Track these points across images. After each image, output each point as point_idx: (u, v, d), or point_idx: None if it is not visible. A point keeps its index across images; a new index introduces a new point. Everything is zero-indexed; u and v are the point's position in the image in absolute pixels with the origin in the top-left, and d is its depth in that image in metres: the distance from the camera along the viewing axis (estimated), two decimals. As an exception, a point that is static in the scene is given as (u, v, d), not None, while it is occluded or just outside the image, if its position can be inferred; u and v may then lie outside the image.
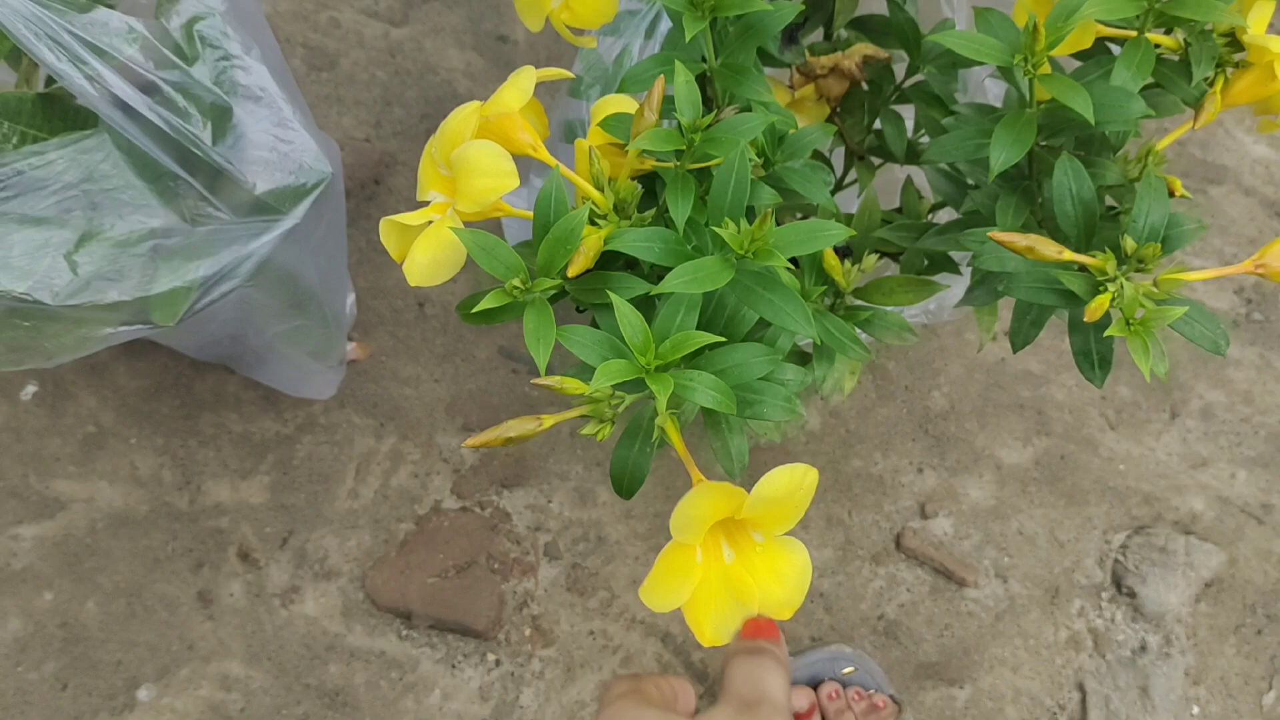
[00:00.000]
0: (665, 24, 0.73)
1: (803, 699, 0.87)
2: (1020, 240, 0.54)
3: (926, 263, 0.74)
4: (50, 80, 0.73)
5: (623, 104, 0.61)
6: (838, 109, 0.76)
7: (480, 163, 0.54)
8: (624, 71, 0.73)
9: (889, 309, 0.68)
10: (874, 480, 0.96)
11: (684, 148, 0.57)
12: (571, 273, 0.54)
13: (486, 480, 0.95)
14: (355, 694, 0.91)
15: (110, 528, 0.94)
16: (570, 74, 0.60)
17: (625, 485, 0.57)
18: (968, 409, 0.98)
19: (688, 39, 0.59)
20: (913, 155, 0.76)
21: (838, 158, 0.81)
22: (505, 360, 0.99)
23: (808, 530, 0.95)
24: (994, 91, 0.81)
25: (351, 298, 0.94)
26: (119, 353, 0.97)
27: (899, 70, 0.75)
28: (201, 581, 0.93)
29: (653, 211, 0.59)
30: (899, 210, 0.77)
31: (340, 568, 0.93)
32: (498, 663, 0.91)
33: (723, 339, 0.52)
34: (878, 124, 0.77)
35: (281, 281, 0.72)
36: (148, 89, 0.64)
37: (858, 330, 0.66)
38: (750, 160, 0.58)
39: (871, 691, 0.88)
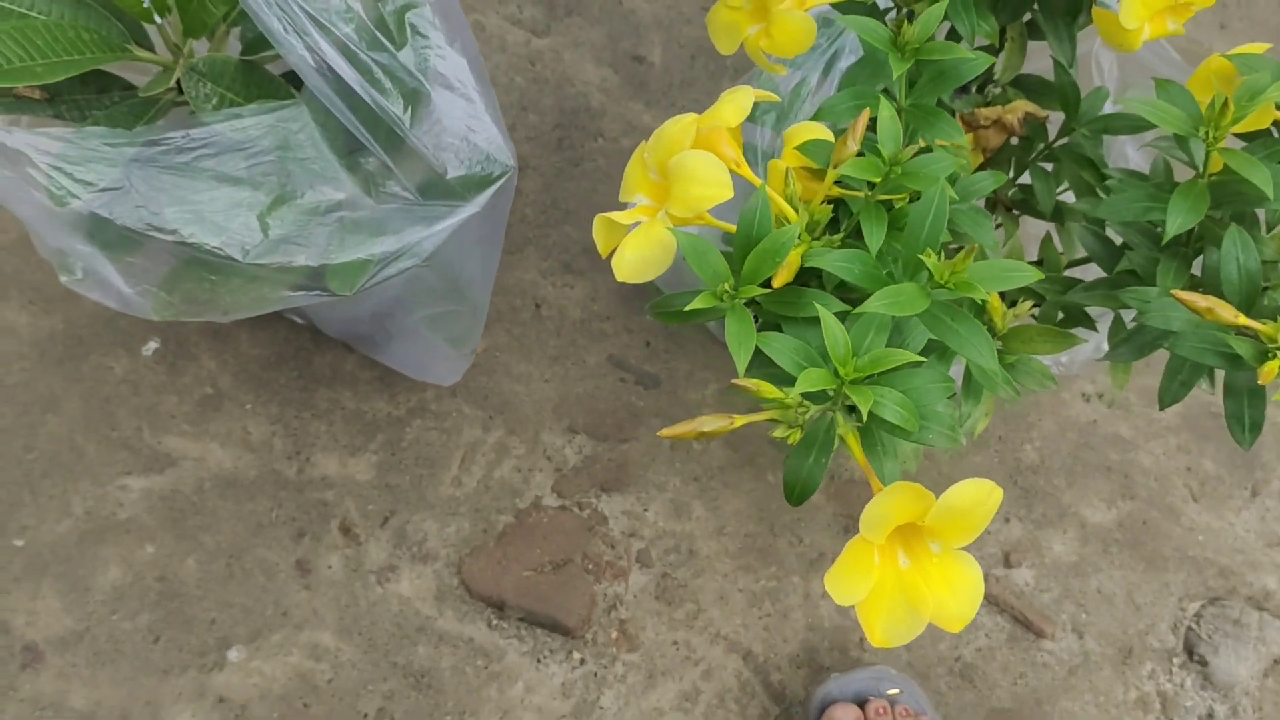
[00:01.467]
0: (843, 61, 0.76)
1: (849, 715, 0.89)
2: (1200, 301, 0.57)
3: (1062, 316, 0.76)
4: (249, 48, 0.77)
5: (816, 131, 0.64)
6: (988, 159, 0.80)
7: (698, 172, 0.57)
8: (803, 101, 0.77)
9: (1032, 357, 0.71)
10: (961, 524, 0.98)
11: (881, 179, 0.60)
12: (776, 284, 0.57)
13: (587, 482, 0.98)
14: (440, 677, 0.92)
15: (217, 489, 0.96)
16: (776, 98, 0.63)
17: (797, 493, 0.59)
18: (1057, 465, 1.01)
19: (895, 77, 0.62)
20: (1057, 213, 0.79)
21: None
22: (614, 369, 1.01)
23: (893, 566, 0.97)
24: (1134, 159, 0.84)
25: (489, 296, 0.97)
26: (243, 320, 1.00)
27: (1050, 129, 0.78)
28: (301, 551, 0.95)
29: (840, 235, 0.62)
30: (1037, 262, 0.80)
31: (438, 552, 0.96)
32: (582, 661, 0.93)
33: (920, 359, 0.55)
34: (1024, 179, 0.80)
35: (448, 266, 0.75)
36: (358, 67, 0.67)
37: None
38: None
39: (919, 713, 0.89)
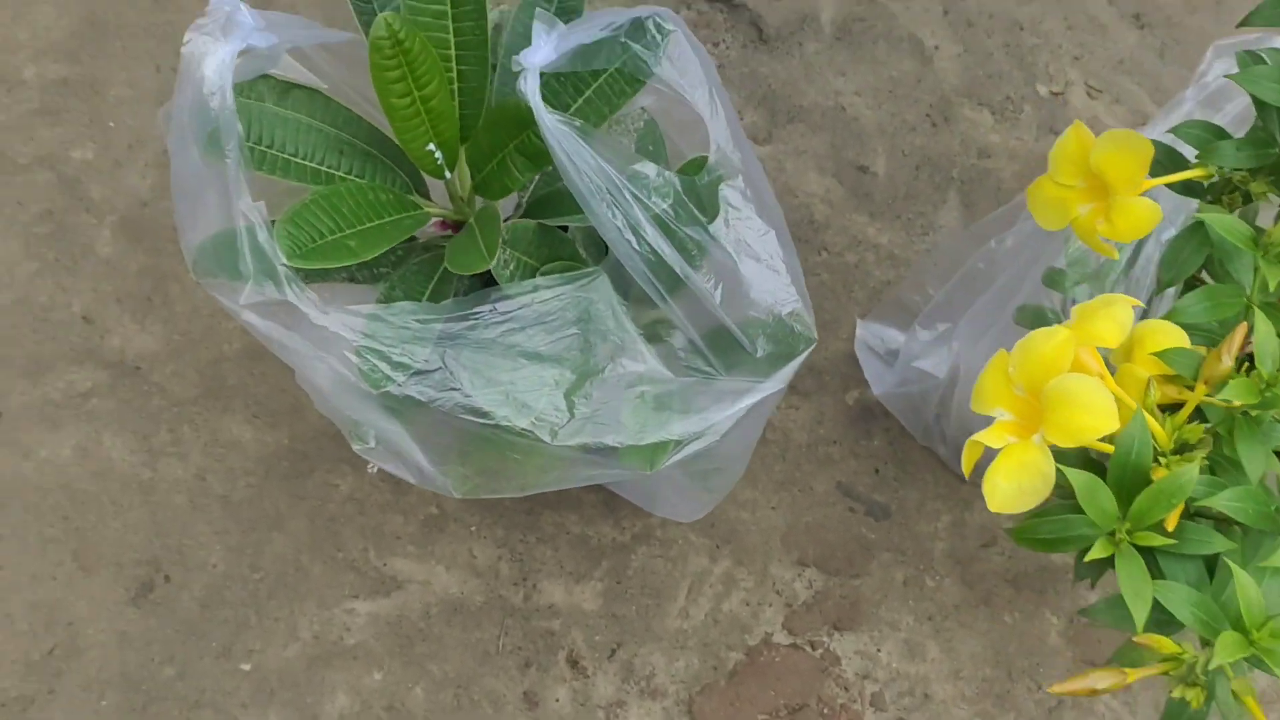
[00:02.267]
0: (1166, 231, 0.72)
1: None
2: None
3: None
4: (535, 209, 0.74)
5: (1171, 335, 0.60)
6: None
7: (1082, 398, 0.54)
8: (1119, 271, 0.73)
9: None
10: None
11: (1257, 400, 0.56)
12: (1170, 526, 0.53)
13: (819, 619, 0.95)
14: (669, 818, 0.90)
15: (444, 614, 0.94)
16: (1139, 301, 0.60)
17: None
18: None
19: (1273, 287, 0.58)
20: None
21: None
22: (843, 496, 0.98)
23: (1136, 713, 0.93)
24: None
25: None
26: (467, 438, 0.98)
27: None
28: (528, 682, 0.93)
29: (1202, 454, 0.58)
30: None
31: (666, 688, 0.93)
32: (816, 809, 0.90)
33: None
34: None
35: (736, 436, 0.72)
36: (672, 241, 0.65)
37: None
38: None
39: None
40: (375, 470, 0.97)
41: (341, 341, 0.63)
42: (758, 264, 0.68)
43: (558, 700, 0.93)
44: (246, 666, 0.93)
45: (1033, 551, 0.96)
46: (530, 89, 0.59)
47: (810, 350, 0.69)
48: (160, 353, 0.99)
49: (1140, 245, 0.73)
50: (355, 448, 0.69)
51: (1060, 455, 0.55)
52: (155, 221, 1.01)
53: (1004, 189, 1.03)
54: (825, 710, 0.92)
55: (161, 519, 0.95)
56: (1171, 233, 0.71)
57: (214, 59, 0.61)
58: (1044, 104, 1.06)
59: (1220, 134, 0.67)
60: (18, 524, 0.95)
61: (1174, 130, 0.68)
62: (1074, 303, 0.73)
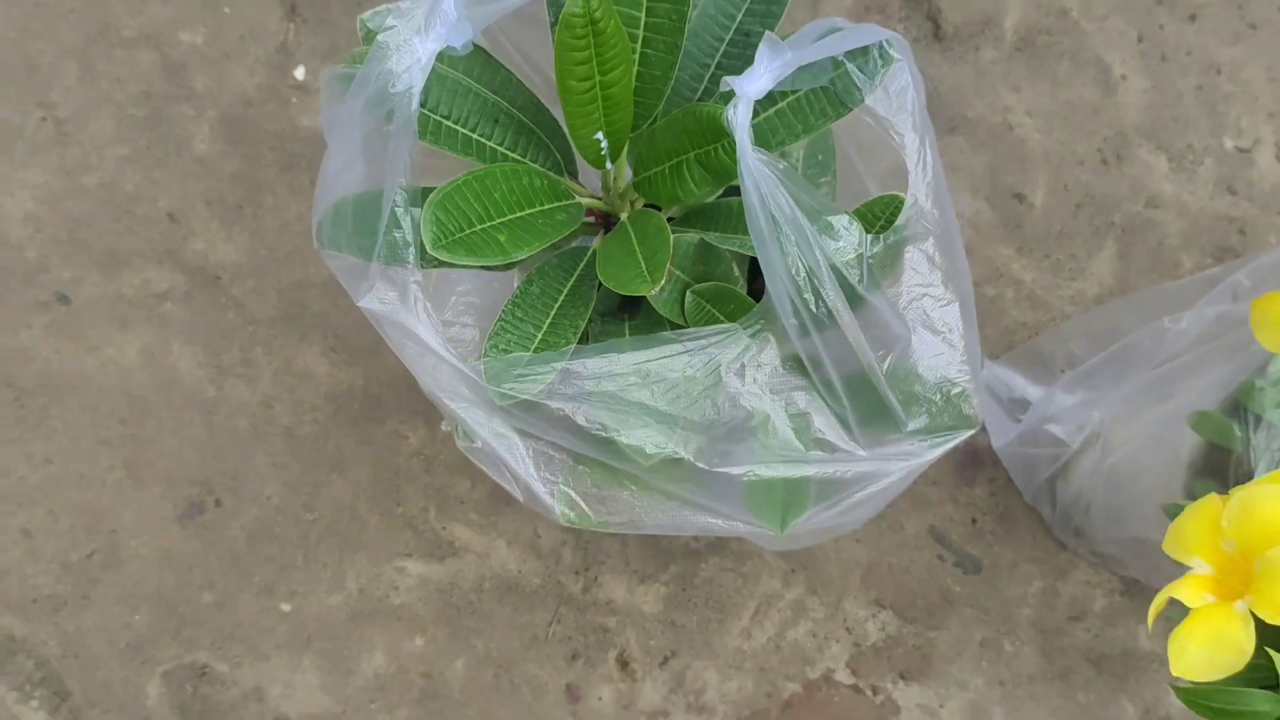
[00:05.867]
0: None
1: None
2: None
3: None
4: (687, 216, 0.67)
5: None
6: None
7: (1305, 576, 0.48)
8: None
9: None
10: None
11: None
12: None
13: (886, 665, 0.90)
14: (696, 841, 0.87)
15: (497, 590, 0.90)
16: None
17: None
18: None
19: None
20: None
21: None
22: (933, 542, 0.93)
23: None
24: None
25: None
26: (551, 412, 0.92)
27: None
28: (574, 675, 0.89)
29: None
30: None
31: (715, 707, 0.89)
32: None
33: None
34: None
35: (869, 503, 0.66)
36: (853, 305, 0.58)
37: None
38: None
39: None
40: (449, 429, 0.92)
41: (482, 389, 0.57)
42: (934, 336, 0.62)
43: (600, 699, 0.89)
44: (286, 608, 0.89)
45: (1121, 637, 0.91)
46: (740, 121, 0.52)
47: (969, 435, 0.63)
48: (243, 265, 0.93)
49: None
50: (460, 444, 0.64)
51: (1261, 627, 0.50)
52: (258, 125, 0.94)
53: (1166, 245, 0.96)
54: (877, 762, 0.88)
55: (220, 441, 0.91)
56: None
57: (407, 57, 0.54)
58: (1227, 159, 0.97)
59: None
60: (73, 421, 0.90)
61: None
62: (1263, 426, 0.66)
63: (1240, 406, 0.67)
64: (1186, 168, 0.97)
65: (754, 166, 0.53)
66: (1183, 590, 0.50)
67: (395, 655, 0.89)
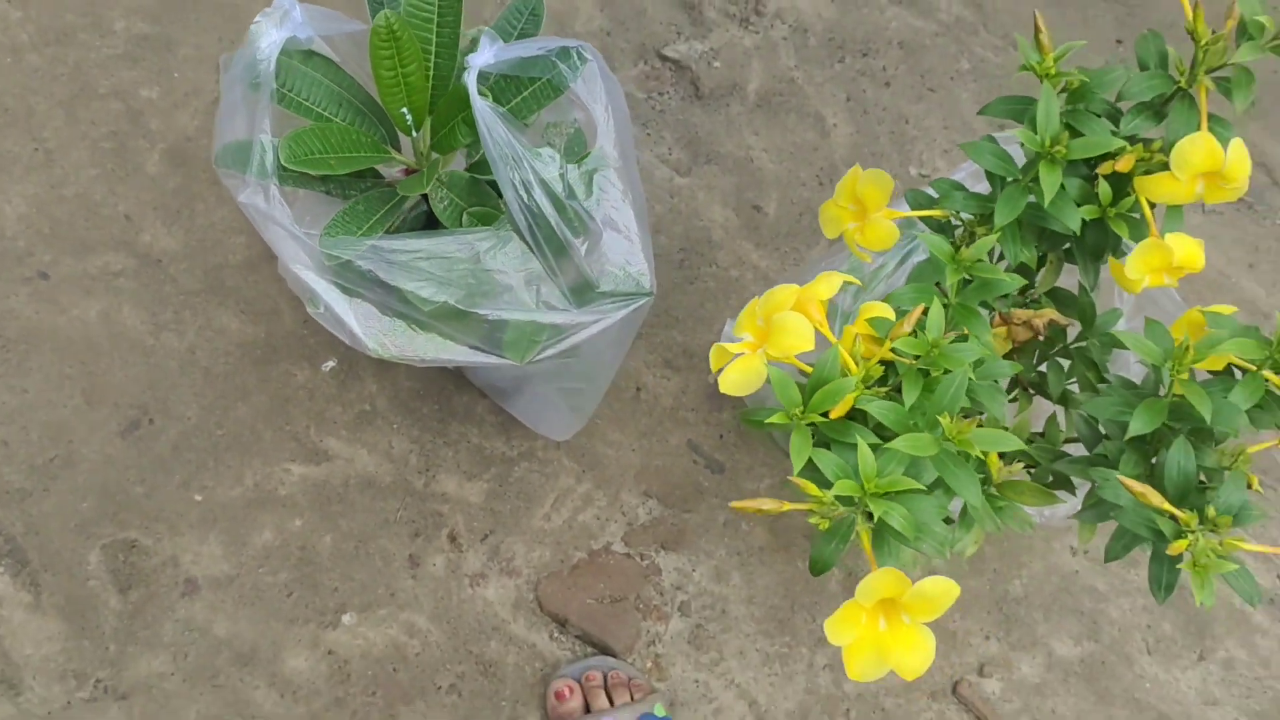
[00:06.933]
0: (917, 256, 0.99)
1: (562, 684, 1.11)
2: (1137, 487, 0.78)
3: (1051, 479, 0.97)
4: (473, 167, 1.02)
5: (883, 310, 0.86)
6: (1016, 349, 1.01)
7: (792, 327, 0.80)
8: (879, 281, 1.00)
9: (1019, 505, 0.92)
10: (948, 633, 1.19)
11: (923, 354, 0.82)
12: (833, 416, 0.79)
13: (651, 538, 1.20)
14: (504, 670, 1.14)
15: (359, 486, 1.19)
16: (858, 281, 0.86)
17: (818, 568, 0.80)
18: (1038, 601, 1.21)
19: (947, 283, 0.85)
20: (1063, 399, 1.00)
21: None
22: (690, 451, 1.24)
23: (887, 657, 1.17)
24: (1137, 370, 1.06)
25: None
26: (404, 356, 1.24)
27: (1071, 333, 1.00)
28: (415, 547, 1.18)
29: (886, 388, 0.84)
30: (1041, 434, 1.01)
31: (522, 570, 1.18)
32: (621, 682, 1.14)
33: (923, 488, 0.77)
34: (1043, 367, 1.02)
35: (589, 356, 0.98)
36: (558, 210, 0.91)
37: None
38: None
39: (630, 677, 1.12)
40: (328, 368, 1.23)
41: (306, 246, 0.90)
42: (617, 234, 0.95)
43: (434, 565, 1.17)
44: (199, 498, 1.18)
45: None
46: (470, 80, 0.86)
47: (645, 301, 0.96)
48: (179, 252, 1.26)
49: (902, 262, 0.99)
50: (310, 310, 0.95)
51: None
52: (195, 154, 1.29)
53: (858, 237, 1.30)
54: (640, 606, 1.17)
55: (155, 377, 1.21)
56: (922, 258, 0.97)
57: (268, 39, 0.89)
58: (913, 182, 1.33)
59: (959, 188, 0.94)
60: (45, 362, 1.20)
61: (932, 184, 0.95)
62: (854, 302, 0.99)
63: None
64: (873, 183, 1.33)
65: (478, 105, 0.87)
66: (735, 349, 0.82)
67: (280, 532, 1.17)
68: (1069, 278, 1.04)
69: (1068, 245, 0.98)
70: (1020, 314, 0.98)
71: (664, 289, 1.28)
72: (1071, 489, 0.97)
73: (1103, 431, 0.92)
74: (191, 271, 1.25)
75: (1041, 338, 1.00)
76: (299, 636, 1.14)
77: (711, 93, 1.38)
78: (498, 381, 1.17)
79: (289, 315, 1.24)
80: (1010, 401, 1.04)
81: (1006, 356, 1.02)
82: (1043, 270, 1.00)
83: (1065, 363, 1.01)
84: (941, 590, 0.72)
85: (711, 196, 1.33)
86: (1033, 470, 0.99)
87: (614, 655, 1.15)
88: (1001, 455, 0.94)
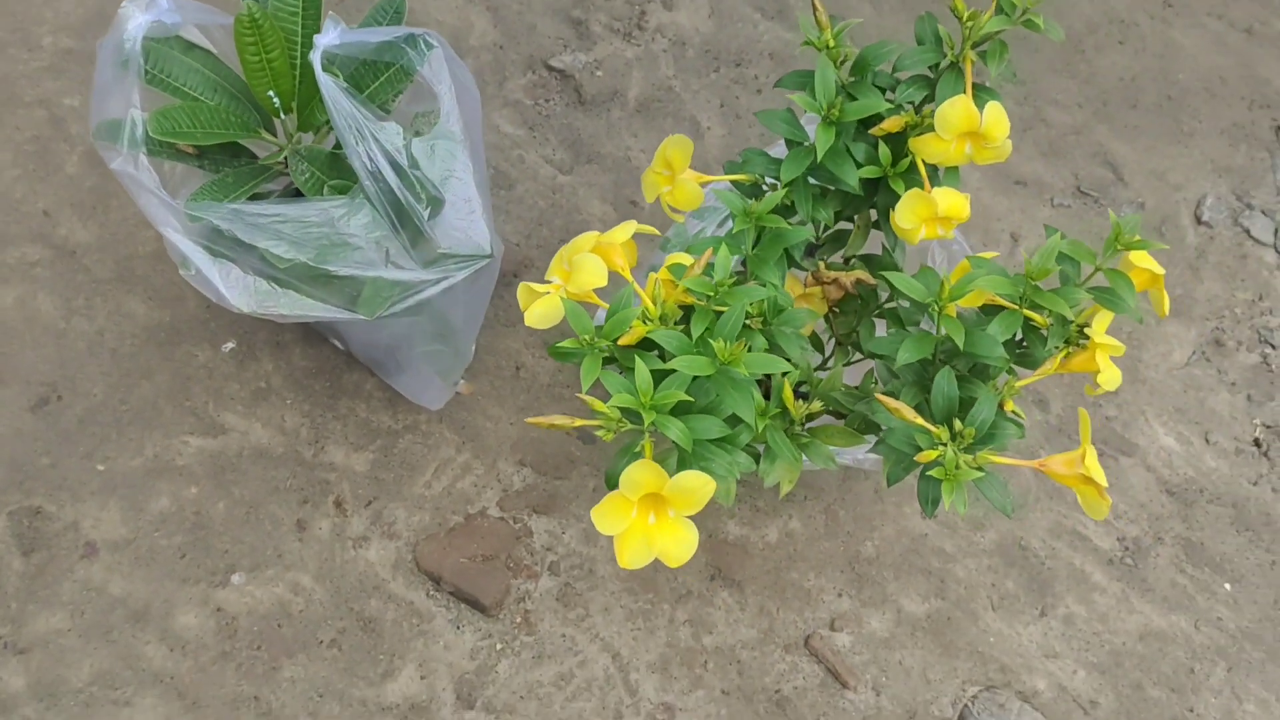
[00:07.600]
0: (732, 222, 1.08)
1: None
2: (892, 403, 0.87)
3: (861, 424, 1.06)
4: (338, 145, 1.12)
5: (683, 259, 0.96)
6: (836, 308, 1.11)
7: (588, 266, 0.89)
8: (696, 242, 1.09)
9: (825, 445, 1.01)
10: (803, 591, 1.26)
11: (712, 294, 0.91)
12: (622, 344, 0.88)
13: (524, 504, 1.28)
14: (383, 626, 1.22)
15: (252, 456, 1.28)
16: (658, 232, 0.96)
17: (611, 482, 0.89)
18: (888, 562, 1.28)
19: (736, 230, 0.94)
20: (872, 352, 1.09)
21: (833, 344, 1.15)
22: (563, 425, 1.32)
23: (744, 612, 1.25)
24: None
25: (473, 347, 1.30)
26: (299, 338, 1.33)
27: (884, 294, 1.09)
28: (302, 513, 1.26)
29: (684, 326, 0.93)
30: (857, 387, 1.09)
31: (402, 533, 1.26)
32: (489, 635, 1.22)
33: (692, 399, 0.85)
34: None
35: (438, 316, 1.08)
36: (400, 177, 1.02)
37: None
38: (750, 314, 0.92)
39: None
40: (228, 349, 1.33)
41: (177, 213, 1.00)
42: (462, 201, 1.05)
43: (320, 529, 1.26)
44: (101, 468, 1.27)
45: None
46: (315, 58, 0.97)
47: (487, 262, 1.05)
48: (92, 244, 1.36)
49: (721, 225, 1.09)
50: (182, 273, 1.05)
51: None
52: (110, 153, 1.39)
53: (723, 227, 1.40)
54: (511, 564, 1.25)
55: (65, 357, 1.31)
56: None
57: (134, 22, 1.00)
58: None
59: (762, 154, 1.04)
60: (-37, 343, 1.30)
61: (740, 153, 1.05)
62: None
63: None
64: (738, 178, 1.43)
65: (324, 81, 0.97)
66: (541, 288, 0.92)
67: (176, 499, 1.26)
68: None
69: (874, 209, 1.08)
70: (828, 274, 1.07)
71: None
72: (877, 431, 1.05)
73: (893, 372, 1.01)
74: (104, 262, 1.36)
75: (854, 295, 1.10)
76: (190, 595, 1.22)
77: (594, 99, 1.49)
78: (376, 354, 1.26)
79: (193, 301, 1.34)
80: (847, 366, 1.13)
81: (827, 317, 1.12)
82: (852, 235, 1.09)
83: (881, 322, 1.10)
84: (699, 484, 0.80)
85: (591, 193, 1.44)
86: (844, 417, 1.07)
87: (483, 610, 1.22)
88: (799, 395, 1.03)
